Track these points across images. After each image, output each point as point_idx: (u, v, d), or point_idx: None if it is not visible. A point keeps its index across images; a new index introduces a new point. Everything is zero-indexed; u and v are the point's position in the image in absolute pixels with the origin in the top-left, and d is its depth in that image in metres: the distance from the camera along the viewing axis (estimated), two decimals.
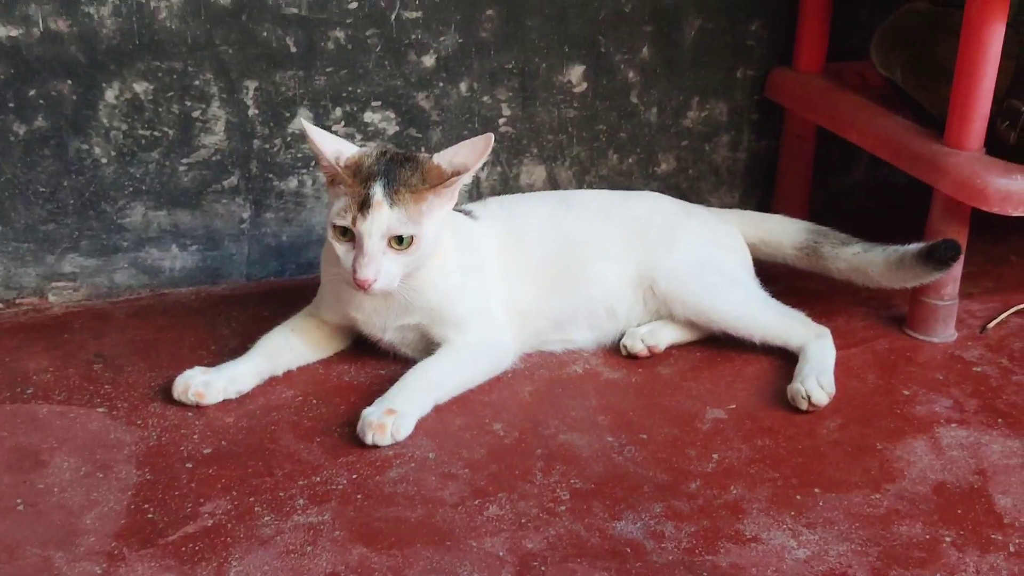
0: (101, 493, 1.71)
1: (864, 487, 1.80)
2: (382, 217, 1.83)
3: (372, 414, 1.84)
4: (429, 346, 2.01)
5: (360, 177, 1.85)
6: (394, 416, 1.84)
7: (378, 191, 1.84)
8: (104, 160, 2.18)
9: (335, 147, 1.89)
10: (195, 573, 1.56)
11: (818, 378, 1.99)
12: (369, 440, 1.82)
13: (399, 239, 1.85)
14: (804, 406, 1.97)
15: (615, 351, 2.15)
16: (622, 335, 2.15)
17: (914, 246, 2.13)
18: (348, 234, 1.86)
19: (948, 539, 1.69)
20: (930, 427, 1.96)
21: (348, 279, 1.87)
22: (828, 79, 2.50)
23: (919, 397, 2.05)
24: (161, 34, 2.14)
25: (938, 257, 2.09)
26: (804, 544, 1.67)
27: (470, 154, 1.88)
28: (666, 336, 2.14)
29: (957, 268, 2.18)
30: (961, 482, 1.82)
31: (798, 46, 2.53)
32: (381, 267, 1.85)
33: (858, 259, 2.20)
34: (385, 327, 2.00)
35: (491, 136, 1.87)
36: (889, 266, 2.15)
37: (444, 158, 1.88)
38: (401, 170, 1.86)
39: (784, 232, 2.30)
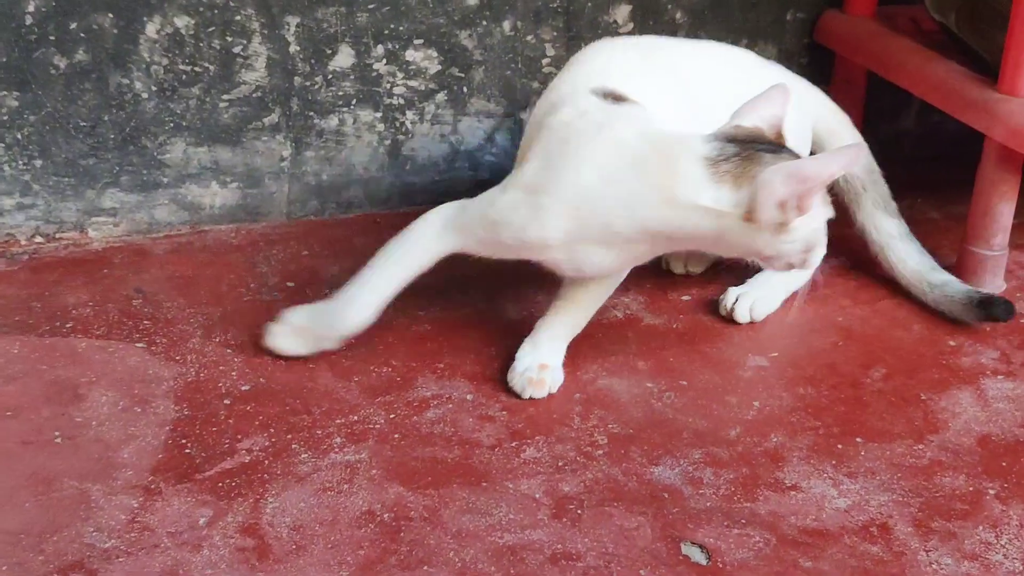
0: (139, 427, 1.71)
1: (907, 437, 1.78)
2: None
3: (529, 369, 1.83)
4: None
5: None
6: (547, 370, 1.84)
7: None
8: (145, 95, 2.17)
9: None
10: (231, 508, 1.56)
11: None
12: (526, 396, 1.81)
13: None
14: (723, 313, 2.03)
15: (656, 297, 2.12)
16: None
17: (964, 286, 2.06)
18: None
19: (992, 492, 1.67)
20: (976, 378, 1.93)
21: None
22: (880, 23, 2.45)
23: (965, 348, 2.02)
24: None
25: (991, 314, 2.03)
26: (845, 493, 1.65)
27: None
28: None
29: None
30: (1007, 435, 1.80)
31: None
32: None
33: (890, 241, 2.11)
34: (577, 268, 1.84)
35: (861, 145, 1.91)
36: (920, 278, 2.09)
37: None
38: None
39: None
